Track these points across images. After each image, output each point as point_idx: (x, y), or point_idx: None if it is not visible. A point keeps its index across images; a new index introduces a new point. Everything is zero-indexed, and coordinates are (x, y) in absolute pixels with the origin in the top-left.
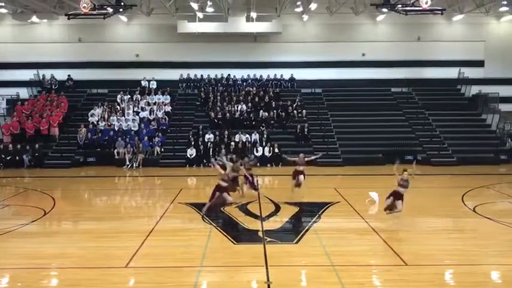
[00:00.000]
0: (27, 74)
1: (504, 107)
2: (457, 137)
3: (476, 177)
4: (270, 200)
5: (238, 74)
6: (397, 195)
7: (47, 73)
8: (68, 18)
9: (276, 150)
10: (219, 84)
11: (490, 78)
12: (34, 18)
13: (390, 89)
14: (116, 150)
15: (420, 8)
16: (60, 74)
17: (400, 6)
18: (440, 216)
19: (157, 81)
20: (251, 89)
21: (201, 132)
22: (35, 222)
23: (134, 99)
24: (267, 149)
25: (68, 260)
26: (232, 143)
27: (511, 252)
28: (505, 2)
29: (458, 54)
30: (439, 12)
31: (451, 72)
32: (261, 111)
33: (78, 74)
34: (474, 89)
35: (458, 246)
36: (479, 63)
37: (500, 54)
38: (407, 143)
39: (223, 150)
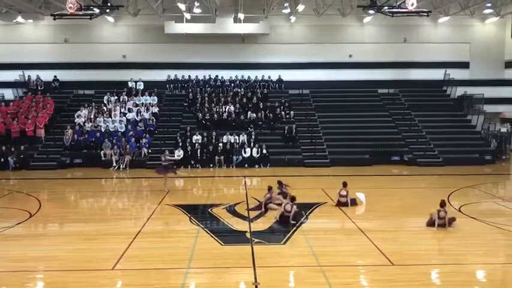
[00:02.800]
0: (12, 75)
1: (489, 108)
2: (442, 138)
3: (462, 177)
4: (258, 201)
5: (226, 75)
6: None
7: (33, 74)
8: (54, 19)
9: (264, 151)
10: (207, 85)
11: (475, 79)
12: (19, 19)
13: (377, 90)
14: (102, 152)
15: (406, 10)
16: (46, 75)
17: (386, 8)
18: (426, 216)
19: (144, 82)
20: (239, 90)
21: (188, 134)
22: (20, 224)
23: (121, 100)
24: (255, 150)
25: (54, 262)
26: (220, 144)
27: (495, 251)
28: (489, 4)
29: (444, 56)
30: (425, 14)
31: (437, 74)
32: (249, 112)
33: (65, 75)
34: (460, 90)
35: (444, 246)
36: (465, 65)
37: (485, 55)
38: (393, 143)
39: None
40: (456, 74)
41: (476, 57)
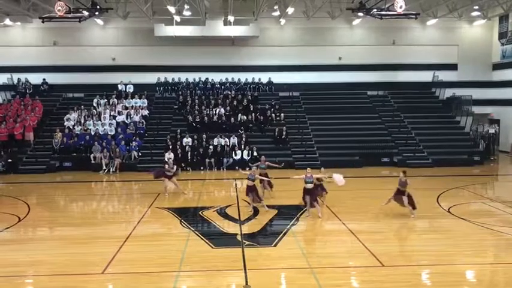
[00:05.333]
0: (0, 78)
1: (477, 109)
2: (432, 139)
3: (451, 178)
4: (249, 203)
5: (216, 77)
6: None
7: (21, 77)
8: (43, 21)
9: (255, 153)
10: (197, 88)
11: (463, 81)
12: (7, 21)
13: (366, 92)
14: (92, 155)
15: (395, 13)
16: (35, 78)
17: (375, 10)
18: (416, 217)
19: (134, 85)
20: (229, 92)
21: (179, 136)
22: (9, 229)
23: (111, 103)
24: (245, 152)
25: (44, 267)
26: (211, 147)
27: (485, 251)
28: (477, 7)
29: (432, 58)
30: (413, 16)
31: (426, 76)
32: (239, 114)
33: (54, 78)
34: (448, 92)
35: (434, 247)
36: (453, 67)
37: (472, 57)
38: (383, 145)
39: None
40: (444, 75)
41: (464, 59)
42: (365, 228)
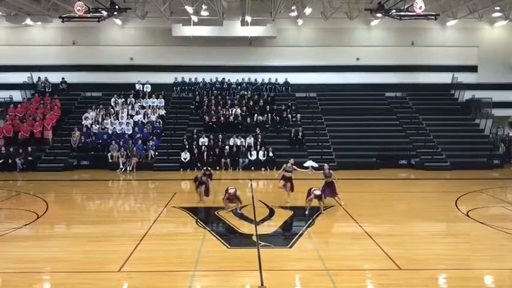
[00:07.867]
0: (20, 77)
1: (497, 112)
2: (450, 142)
3: (470, 181)
4: (264, 204)
5: (233, 77)
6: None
7: (41, 76)
8: (62, 21)
9: (271, 154)
10: (214, 88)
11: (483, 83)
12: (28, 21)
13: (384, 93)
14: (109, 154)
15: (414, 13)
16: (54, 77)
17: (394, 11)
18: (434, 220)
19: (151, 84)
20: (246, 92)
21: (195, 136)
22: (27, 226)
23: (128, 102)
24: (261, 152)
25: (61, 264)
26: (227, 147)
27: (503, 256)
28: (498, 8)
29: (451, 59)
30: (433, 17)
31: (445, 77)
32: (256, 115)
33: (72, 77)
34: (467, 94)
35: (452, 251)
36: (473, 69)
37: (493, 59)
38: (401, 147)
39: None
40: (464, 77)
41: (484, 60)
42: (382, 230)
